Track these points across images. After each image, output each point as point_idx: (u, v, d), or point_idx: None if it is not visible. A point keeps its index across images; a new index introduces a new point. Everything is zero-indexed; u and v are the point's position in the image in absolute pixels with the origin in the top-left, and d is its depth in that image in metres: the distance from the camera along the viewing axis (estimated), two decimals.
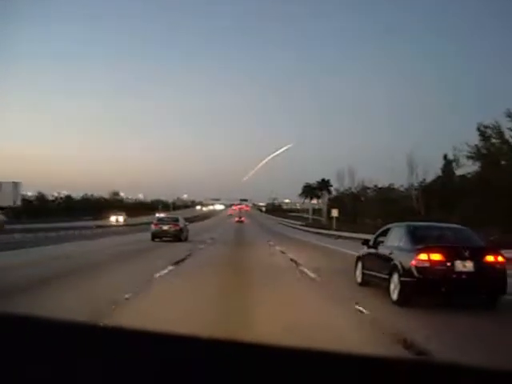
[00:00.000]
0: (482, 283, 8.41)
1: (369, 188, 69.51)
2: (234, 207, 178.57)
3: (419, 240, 8.93)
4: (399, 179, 73.37)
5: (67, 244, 23.16)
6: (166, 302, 8.31)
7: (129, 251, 19.35)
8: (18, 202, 35.68)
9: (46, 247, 20.56)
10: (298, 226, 73.44)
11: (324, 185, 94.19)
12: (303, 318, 7.29)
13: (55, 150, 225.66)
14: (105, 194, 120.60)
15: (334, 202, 68.22)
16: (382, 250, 9.96)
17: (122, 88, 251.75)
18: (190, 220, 38.81)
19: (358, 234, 31.00)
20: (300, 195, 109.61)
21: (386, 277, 9.08)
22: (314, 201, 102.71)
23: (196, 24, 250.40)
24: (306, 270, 13.59)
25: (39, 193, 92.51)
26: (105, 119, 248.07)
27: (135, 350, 0.94)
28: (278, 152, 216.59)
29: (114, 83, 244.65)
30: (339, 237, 38.95)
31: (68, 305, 7.38)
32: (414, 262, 8.37)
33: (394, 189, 62.93)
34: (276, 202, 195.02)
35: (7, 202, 36.40)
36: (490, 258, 8.56)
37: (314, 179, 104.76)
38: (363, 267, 10.87)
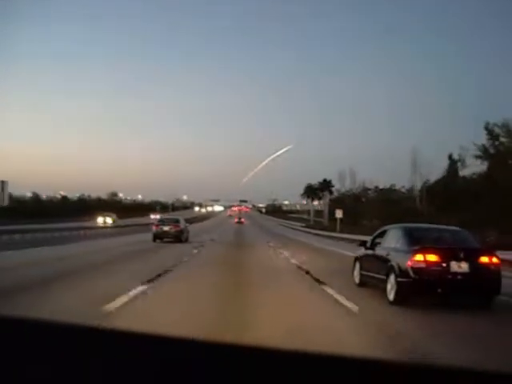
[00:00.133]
0: (477, 284, 8.54)
1: (370, 189, 69.50)
2: (233, 208, 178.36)
3: (415, 241, 9.05)
4: (400, 179, 73.38)
5: (18, 252, 17.58)
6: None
7: (94, 262, 14.65)
8: (6, 202, 34.85)
9: None
10: (299, 228, 73.39)
11: (326, 185, 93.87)
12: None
13: (55, 149, 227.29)
14: (104, 194, 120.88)
15: (336, 203, 68.18)
16: (379, 252, 10.09)
17: (122, 88, 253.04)
18: (188, 221, 38.43)
19: (364, 236, 30.62)
20: (302, 195, 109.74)
21: (383, 277, 9.21)
22: (316, 202, 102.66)
23: (196, 24, 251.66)
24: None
25: (33, 193, 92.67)
26: (105, 119, 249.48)
27: (135, 351, 0.96)
28: (277, 153, 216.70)
29: (114, 83, 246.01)
30: (342, 239, 38.75)
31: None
32: (410, 263, 8.50)
33: (395, 190, 62.85)
34: (276, 203, 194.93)
35: None
36: (484, 259, 8.68)
37: (314, 180, 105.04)
38: (361, 268, 11.01)
